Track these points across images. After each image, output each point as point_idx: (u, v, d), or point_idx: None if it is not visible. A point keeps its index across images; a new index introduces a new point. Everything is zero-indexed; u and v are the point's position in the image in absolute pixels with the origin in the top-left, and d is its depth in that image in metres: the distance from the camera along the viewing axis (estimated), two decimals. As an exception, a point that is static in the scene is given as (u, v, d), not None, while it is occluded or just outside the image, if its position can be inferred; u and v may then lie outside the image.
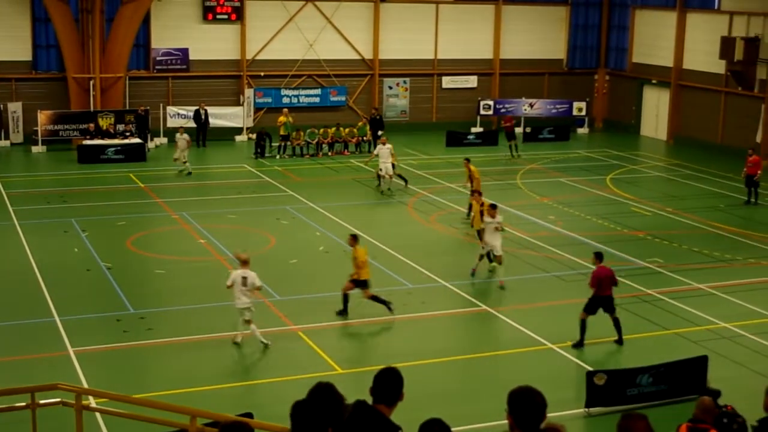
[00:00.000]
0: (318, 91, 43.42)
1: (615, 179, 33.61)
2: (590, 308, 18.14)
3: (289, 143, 37.95)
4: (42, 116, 37.82)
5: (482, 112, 44.81)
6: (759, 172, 30.52)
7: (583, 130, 45.29)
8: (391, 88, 44.89)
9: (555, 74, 46.99)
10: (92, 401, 12.92)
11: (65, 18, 37.99)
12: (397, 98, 45.04)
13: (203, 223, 26.98)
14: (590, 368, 16.16)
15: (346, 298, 19.52)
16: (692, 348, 17.92)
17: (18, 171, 34.69)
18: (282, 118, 38.01)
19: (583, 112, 45.47)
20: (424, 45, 44.84)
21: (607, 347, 18.39)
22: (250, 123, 41.47)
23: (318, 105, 43.17)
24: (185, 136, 34.03)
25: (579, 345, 18.05)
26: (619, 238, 26.20)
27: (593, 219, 28.38)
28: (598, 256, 18.36)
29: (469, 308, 20.44)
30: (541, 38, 46.58)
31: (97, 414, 13.52)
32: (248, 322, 17.72)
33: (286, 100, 42.48)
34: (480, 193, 25.42)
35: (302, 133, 38.29)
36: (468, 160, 29.15)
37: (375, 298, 19.53)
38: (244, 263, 17.87)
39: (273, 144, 38.03)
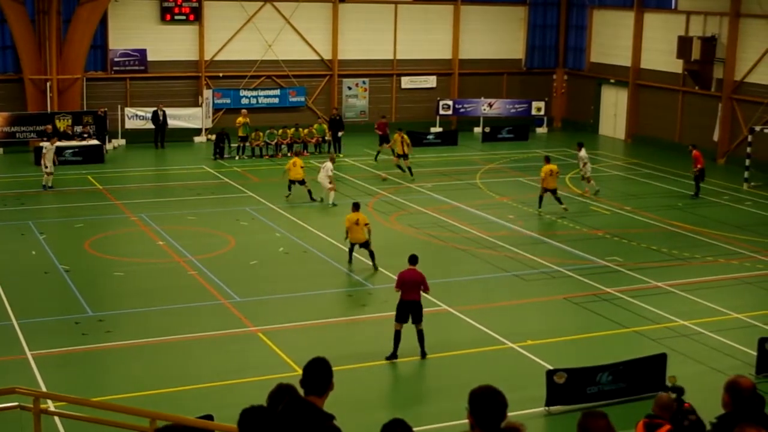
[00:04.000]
0: (277, 92, 43.30)
1: (574, 178, 33.92)
2: (400, 316, 17.36)
3: (248, 144, 37.83)
4: (-2, 118, 37.32)
5: (441, 112, 44.97)
6: (699, 166, 31.21)
7: (542, 130, 45.64)
8: (350, 88, 44.90)
9: (514, 74, 47.28)
10: (51, 405, 12.81)
11: (21, 19, 37.53)
12: (356, 99, 45.06)
13: (162, 224, 26.81)
14: (550, 367, 16.29)
15: (350, 253, 23.05)
16: (651, 346, 18.14)
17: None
18: (240, 119, 37.90)
19: (542, 112, 45.82)
20: (383, 45, 44.91)
21: (566, 346, 18.56)
22: (208, 124, 41.26)
23: (277, 106, 43.06)
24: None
25: (392, 357, 17.31)
26: (578, 237, 26.44)
27: (552, 218, 28.62)
28: (411, 259, 17.78)
29: (429, 308, 20.48)
30: (499, 38, 46.85)
31: (56, 418, 13.40)
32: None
33: (245, 101, 42.31)
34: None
35: (261, 134, 38.17)
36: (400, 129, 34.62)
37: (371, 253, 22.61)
38: None
39: (232, 145, 37.89)
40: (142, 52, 40.94)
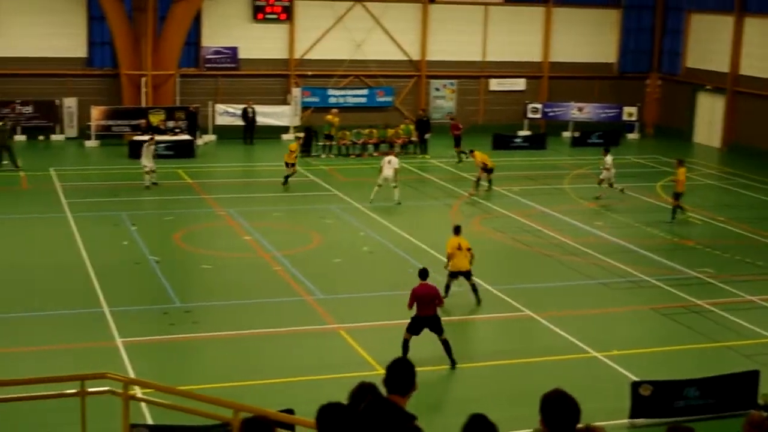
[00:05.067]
0: (365, 92, 43.51)
1: (665, 186, 33.24)
2: (413, 328, 16.88)
3: (334, 143, 38.09)
4: (95, 112, 38.38)
5: (530, 115, 44.59)
6: None
7: (633, 136, 44.87)
8: (438, 89, 44.85)
9: (605, 78, 46.59)
10: (138, 391, 13.09)
11: (119, 16, 38.50)
12: (443, 100, 44.98)
13: (249, 220, 27.19)
14: (635, 378, 15.99)
15: (447, 288, 20.18)
16: (743, 362, 17.53)
17: (72, 164, 35.19)
18: (329, 117, 38.20)
19: (634, 117, 45.03)
20: (472, 47, 44.73)
21: (652, 358, 18.20)
22: (296, 122, 41.68)
23: (365, 105, 43.26)
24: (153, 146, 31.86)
25: None
26: (668, 247, 25.91)
27: (641, 226, 28.07)
28: (421, 274, 17.15)
29: (512, 313, 20.35)
30: (591, 41, 46.22)
31: (143, 404, 13.70)
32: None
33: (333, 99, 42.62)
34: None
35: (348, 133, 38.40)
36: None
37: (473, 287, 20.38)
38: None
39: (318, 143, 38.21)
40: (234, 50, 41.58)
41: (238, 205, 29.02)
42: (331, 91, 42.88)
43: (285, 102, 41.99)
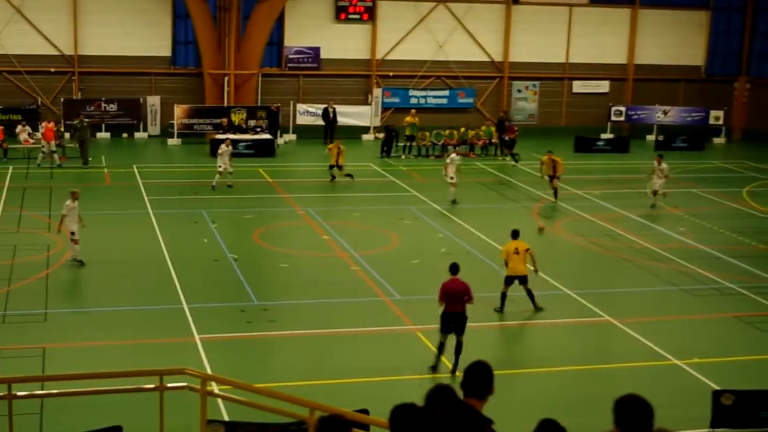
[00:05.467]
0: (446, 93, 43.39)
1: (753, 192, 32.37)
2: (444, 327, 16.51)
3: (414, 143, 38.08)
4: (178, 110, 39.04)
5: (613, 117, 43.93)
6: None
7: (719, 140, 43.86)
8: (520, 91, 44.49)
9: (692, 81, 45.66)
10: (215, 387, 13.21)
11: (204, 15, 39.10)
12: (525, 101, 44.61)
13: (327, 219, 27.31)
14: (717, 387, 15.57)
15: (503, 297, 19.82)
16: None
17: (154, 162, 35.87)
18: (409, 119, 38.19)
19: (721, 121, 44.02)
20: (556, 48, 44.27)
21: (734, 367, 17.70)
22: (377, 122, 41.75)
23: (445, 106, 43.15)
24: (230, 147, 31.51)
25: (434, 369, 16.45)
26: (754, 254, 25.21)
27: (726, 233, 27.38)
28: (452, 268, 16.89)
29: (591, 318, 20.02)
30: (678, 43, 45.35)
31: (219, 400, 13.82)
32: None
33: (413, 100, 42.60)
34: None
35: (428, 134, 38.34)
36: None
37: (529, 293, 19.85)
38: None
39: (398, 144, 38.23)
40: (316, 50, 41.87)
41: (317, 205, 29.19)
42: (412, 92, 42.88)
43: (366, 102, 42.12)
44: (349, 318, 19.42)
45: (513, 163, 36.90)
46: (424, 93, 43.16)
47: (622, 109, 44.06)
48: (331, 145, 33.04)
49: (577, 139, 40.30)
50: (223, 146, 31.00)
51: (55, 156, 34.07)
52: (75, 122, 34.91)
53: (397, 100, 42.69)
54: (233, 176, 31.08)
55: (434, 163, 36.97)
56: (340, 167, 32.01)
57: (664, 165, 29.92)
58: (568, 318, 20.09)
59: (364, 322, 19.25)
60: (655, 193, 30.09)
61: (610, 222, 28.16)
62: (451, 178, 29.47)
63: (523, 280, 19.86)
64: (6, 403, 9.44)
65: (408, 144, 38.07)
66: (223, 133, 37.56)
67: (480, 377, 6.38)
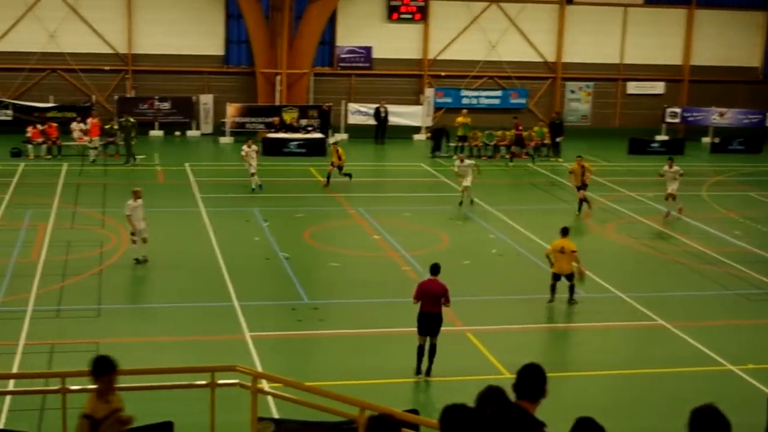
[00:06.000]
0: (498, 93, 43.17)
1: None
2: (420, 328, 16.30)
3: (466, 144, 37.95)
4: (231, 109, 39.33)
5: (668, 119, 43.35)
6: None
7: (777, 143, 43.08)
8: (573, 92, 44.11)
9: (749, 83, 44.88)
10: (266, 385, 13.25)
11: (256, 15, 39.34)
12: (578, 102, 44.22)
13: (378, 219, 27.30)
14: (774, 393, 15.26)
15: (553, 289, 19.92)
16: None
17: (206, 160, 36.18)
18: (460, 119, 38.07)
19: (778, 123, 43.21)
20: (610, 48, 43.82)
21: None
22: (428, 122, 41.68)
23: (498, 107, 42.92)
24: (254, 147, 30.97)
25: (418, 372, 16.33)
26: (811, 258, 24.68)
27: (783, 236, 26.88)
28: (432, 269, 16.52)
29: (644, 321, 19.76)
30: (735, 44, 44.62)
31: (269, 397, 13.86)
32: None
33: (465, 100, 42.45)
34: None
35: (480, 134, 38.18)
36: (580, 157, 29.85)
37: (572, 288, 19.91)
38: None
39: (450, 144, 38.10)
40: (368, 50, 41.90)
41: (368, 204, 29.19)
42: (464, 92, 42.74)
43: (417, 102, 42.06)
44: (398, 318, 19.35)
45: (531, 162, 36.59)
46: (476, 93, 42.98)
47: (678, 110, 43.46)
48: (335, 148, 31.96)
49: (631, 141, 39.85)
50: (245, 147, 30.48)
51: (93, 153, 34.51)
52: (120, 120, 35.34)
53: (449, 100, 42.57)
54: (258, 177, 30.34)
55: (486, 163, 36.78)
56: (340, 168, 31.40)
57: (675, 167, 28.62)
58: (621, 321, 19.85)
59: (413, 323, 19.16)
60: (669, 197, 28.41)
61: (664, 225, 27.78)
62: (466, 186, 28.69)
63: (569, 277, 19.88)
64: (60, 397, 9.55)
65: (460, 144, 37.95)
66: (275, 132, 37.79)
67: (533, 379, 6.33)
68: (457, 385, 15.71)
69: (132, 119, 35.12)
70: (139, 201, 22.21)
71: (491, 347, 17.86)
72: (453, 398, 6.26)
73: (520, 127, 37.81)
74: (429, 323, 16.24)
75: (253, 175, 30.18)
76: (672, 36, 44.22)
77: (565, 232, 20.21)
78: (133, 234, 22.18)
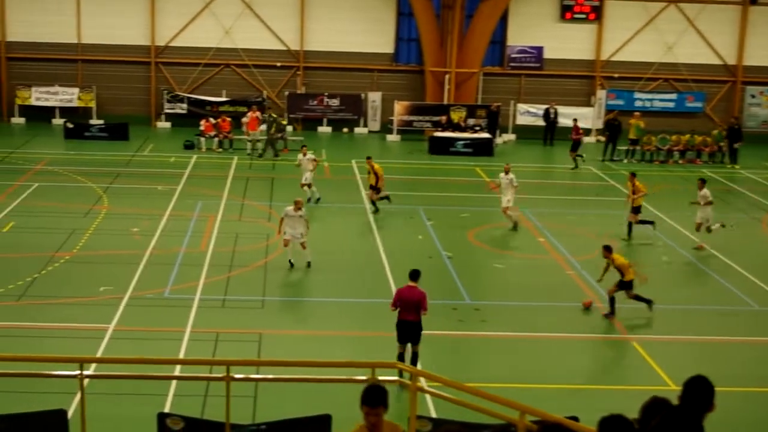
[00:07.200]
0: (673, 96, 41.71)
1: None
2: (399, 336, 15.60)
3: (638, 148, 36.84)
4: (399, 107, 39.57)
5: None
6: None
7: None
8: (753, 96, 42.09)
9: None
10: (424, 383, 13.13)
11: (428, 13, 39.40)
12: (759, 107, 42.17)
13: (544, 221, 26.82)
14: None
15: (612, 301, 19.18)
16: None
17: (373, 157, 36.39)
18: (633, 121, 36.99)
19: None
20: (798, 51, 41.58)
21: None
22: (599, 125, 40.69)
23: (672, 110, 41.47)
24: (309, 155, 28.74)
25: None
26: None
27: None
28: (411, 275, 15.87)
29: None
30: None
31: (428, 396, 13.75)
32: None
33: (638, 103, 41.23)
34: None
35: (654, 138, 36.98)
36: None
37: (638, 298, 19.21)
38: None
39: (620, 147, 37.08)
40: (539, 50, 41.29)
41: (534, 206, 28.70)
42: (637, 95, 41.52)
43: (588, 104, 41.14)
44: (560, 322, 18.92)
45: (573, 165, 34.81)
46: (649, 96, 41.64)
47: None
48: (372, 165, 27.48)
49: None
50: (300, 155, 28.62)
51: (249, 145, 35.36)
52: (264, 115, 36.08)
53: (621, 102, 41.42)
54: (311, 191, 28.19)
55: (658, 168, 35.59)
56: (378, 190, 27.20)
57: (705, 190, 24.63)
58: (753, 337, 18.72)
59: (575, 328, 18.71)
60: (700, 228, 24.58)
61: None
62: (508, 200, 26.06)
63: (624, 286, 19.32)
64: (224, 384, 9.71)
65: (632, 148, 36.86)
66: (442, 130, 37.77)
67: (701, 392, 6.13)
68: (619, 395, 15.20)
69: (275, 115, 35.89)
70: (299, 212, 21.49)
71: (657, 357, 17.17)
72: (615, 408, 6.07)
73: (581, 131, 35.87)
74: (407, 331, 15.71)
75: (305, 186, 27.81)
76: None
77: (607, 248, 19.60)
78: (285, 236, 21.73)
